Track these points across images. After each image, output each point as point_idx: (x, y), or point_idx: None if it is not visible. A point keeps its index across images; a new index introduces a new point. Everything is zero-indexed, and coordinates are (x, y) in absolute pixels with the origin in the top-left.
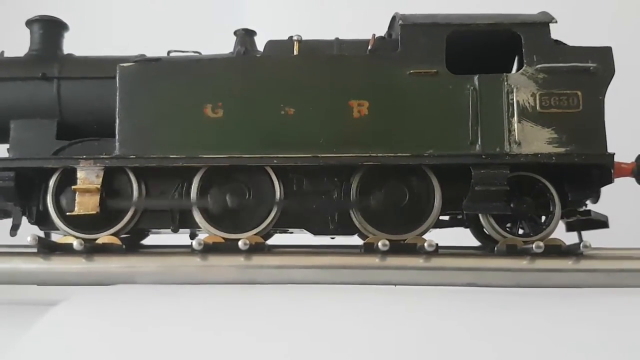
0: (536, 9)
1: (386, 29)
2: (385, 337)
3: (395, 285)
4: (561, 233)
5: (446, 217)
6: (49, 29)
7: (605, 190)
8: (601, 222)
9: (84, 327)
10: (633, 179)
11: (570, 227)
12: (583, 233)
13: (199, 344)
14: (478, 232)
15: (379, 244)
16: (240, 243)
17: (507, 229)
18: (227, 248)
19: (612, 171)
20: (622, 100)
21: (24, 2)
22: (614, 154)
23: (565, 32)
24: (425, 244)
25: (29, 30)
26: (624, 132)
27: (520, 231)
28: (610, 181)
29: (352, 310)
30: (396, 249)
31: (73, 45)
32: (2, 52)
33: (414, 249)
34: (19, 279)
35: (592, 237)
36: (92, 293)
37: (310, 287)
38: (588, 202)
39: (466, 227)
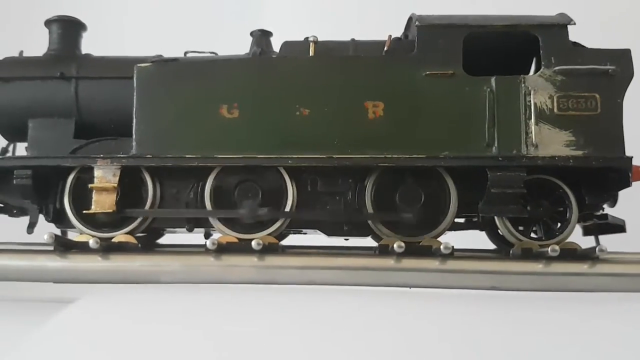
0: (554, 11)
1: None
2: (399, 339)
3: (410, 287)
4: (578, 237)
5: (462, 220)
6: (67, 29)
7: (622, 194)
8: (618, 227)
9: (100, 325)
10: None
11: (587, 231)
12: (600, 237)
13: (216, 342)
14: (494, 235)
15: (395, 245)
16: (253, 243)
17: (520, 231)
18: (241, 248)
19: (630, 175)
20: None
21: (43, 3)
22: (632, 157)
23: (584, 34)
24: (441, 247)
25: (47, 30)
26: None
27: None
28: (628, 185)
29: (366, 311)
30: (411, 251)
31: (92, 45)
32: (21, 51)
33: (430, 252)
34: (35, 277)
35: (609, 242)
36: (108, 291)
37: (325, 288)
38: (605, 206)
39: (482, 230)
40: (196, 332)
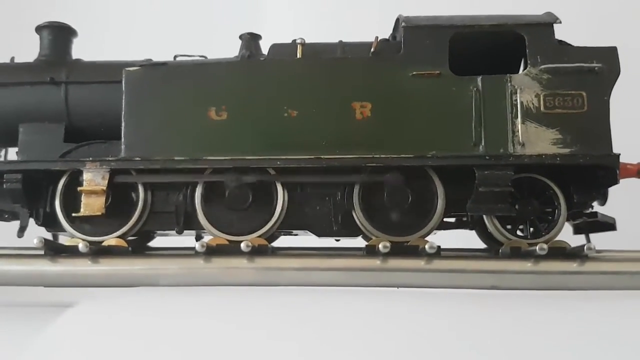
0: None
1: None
2: (394, 339)
3: (397, 287)
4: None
5: (452, 219)
6: (57, 35)
7: (612, 191)
8: (608, 224)
9: (101, 328)
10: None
11: (577, 230)
12: (591, 235)
13: (215, 345)
14: (483, 234)
15: (380, 245)
16: (242, 245)
17: (510, 230)
18: (230, 250)
19: (617, 172)
20: (628, 101)
21: (35, 9)
22: (619, 154)
23: (571, 32)
24: (427, 246)
25: (38, 36)
26: (630, 133)
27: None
28: (615, 182)
29: (354, 312)
30: (398, 251)
31: (91, 51)
32: (12, 57)
33: (416, 251)
34: (25, 281)
35: (600, 240)
36: (106, 295)
37: (318, 289)
38: (595, 203)
39: (471, 229)
40: (196, 334)
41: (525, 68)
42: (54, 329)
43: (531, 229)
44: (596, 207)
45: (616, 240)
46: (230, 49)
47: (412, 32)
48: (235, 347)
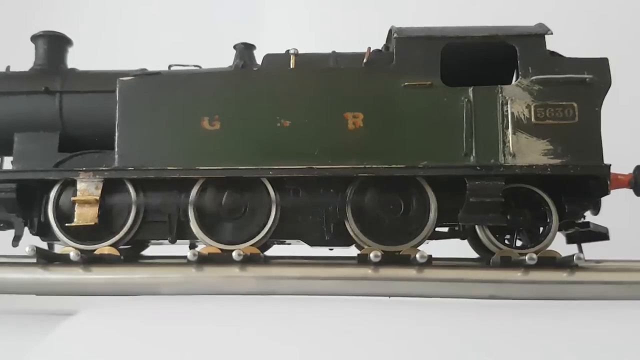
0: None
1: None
2: (376, 349)
3: (389, 297)
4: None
5: (445, 229)
6: (53, 44)
7: (606, 201)
8: (601, 234)
9: (103, 337)
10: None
11: (570, 239)
12: (584, 245)
13: (214, 353)
14: (476, 243)
15: (371, 255)
16: (234, 254)
17: (500, 239)
18: (222, 259)
19: (608, 183)
20: (619, 111)
21: (30, 18)
22: (610, 165)
23: (563, 43)
24: (418, 255)
25: (34, 45)
26: (621, 143)
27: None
28: (606, 193)
29: (345, 321)
30: (390, 260)
31: (92, 59)
32: (8, 67)
33: (408, 261)
34: (17, 289)
35: (594, 249)
36: (103, 304)
37: (306, 299)
38: (588, 213)
39: (463, 238)
40: (197, 342)
41: (516, 79)
42: (55, 336)
43: (520, 240)
44: (590, 217)
45: (613, 250)
46: (227, 59)
47: (404, 43)
48: (235, 355)
